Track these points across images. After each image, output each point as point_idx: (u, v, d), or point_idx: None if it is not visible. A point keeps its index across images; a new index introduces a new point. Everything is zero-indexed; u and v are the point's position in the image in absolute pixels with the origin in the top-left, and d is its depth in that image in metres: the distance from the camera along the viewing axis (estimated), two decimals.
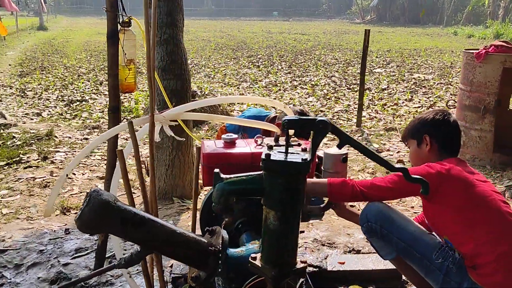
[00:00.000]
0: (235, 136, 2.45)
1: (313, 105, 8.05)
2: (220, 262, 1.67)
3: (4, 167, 4.60)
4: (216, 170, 1.58)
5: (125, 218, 1.61)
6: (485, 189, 1.97)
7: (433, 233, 2.13)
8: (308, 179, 2.12)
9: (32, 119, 6.74)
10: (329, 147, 5.59)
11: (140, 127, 2.19)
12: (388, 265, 2.43)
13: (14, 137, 5.58)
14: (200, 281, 1.71)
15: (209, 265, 1.68)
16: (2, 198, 3.76)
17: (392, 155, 5.16)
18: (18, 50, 15.79)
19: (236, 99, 2.81)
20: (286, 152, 1.50)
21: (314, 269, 2.56)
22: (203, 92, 7.60)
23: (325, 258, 2.67)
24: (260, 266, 1.54)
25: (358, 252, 2.83)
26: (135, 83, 2.59)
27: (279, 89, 9.60)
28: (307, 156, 1.46)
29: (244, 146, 2.39)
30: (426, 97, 8.69)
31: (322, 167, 2.39)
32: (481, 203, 1.95)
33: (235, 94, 9.03)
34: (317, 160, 2.45)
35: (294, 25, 34.95)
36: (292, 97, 8.76)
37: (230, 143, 2.41)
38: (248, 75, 11.30)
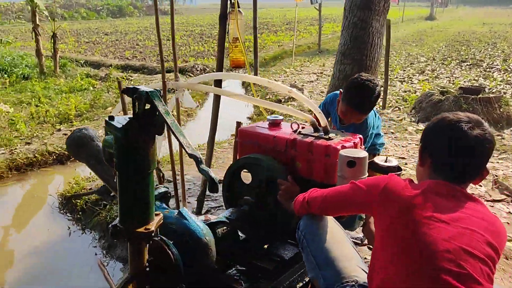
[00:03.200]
0: (281, 118, 2.38)
1: None
2: None
3: None
4: (107, 118, 1.77)
5: (90, 155, 2.10)
6: (439, 235, 1.29)
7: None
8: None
9: None
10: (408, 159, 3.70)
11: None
12: None
13: None
14: None
15: None
16: None
17: None
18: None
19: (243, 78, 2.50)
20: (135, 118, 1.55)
21: None
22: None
23: None
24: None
25: None
26: (243, 59, 2.82)
27: None
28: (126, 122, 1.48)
29: (277, 130, 2.30)
30: None
31: None
32: (410, 251, 1.32)
33: None
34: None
35: None
36: None
37: (272, 125, 2.38)
38: None
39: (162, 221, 1.73)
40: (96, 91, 7.83)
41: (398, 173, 2.22)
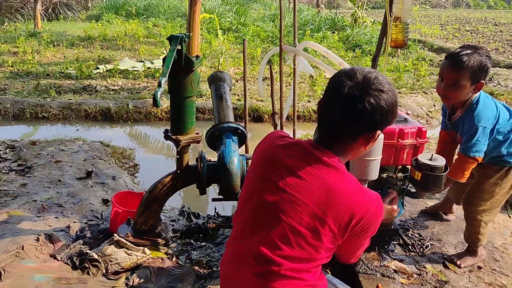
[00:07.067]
0: None
1: None
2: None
3: None
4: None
5: (215, 89, 2.81)
6: (262, 197, 1.39)
7: None
8: None
9: None
10: None
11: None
12: None
13: None
14: None
15: None
16: None
17: None
18: None
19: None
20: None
21: None
22: None
23: None
24: None
25: None
26: (402, 39, 2.65)
27: None
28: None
29: None
30: None
31: None
32: (244, 202, 1.48)
33: None
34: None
35: None
36: None
37: None
38: None
39: (198, 139, 2.32)
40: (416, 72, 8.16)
41: (441, 174, 1.95)
